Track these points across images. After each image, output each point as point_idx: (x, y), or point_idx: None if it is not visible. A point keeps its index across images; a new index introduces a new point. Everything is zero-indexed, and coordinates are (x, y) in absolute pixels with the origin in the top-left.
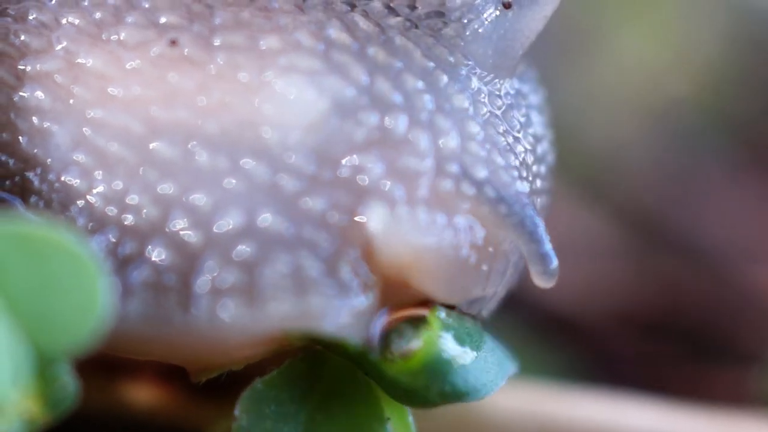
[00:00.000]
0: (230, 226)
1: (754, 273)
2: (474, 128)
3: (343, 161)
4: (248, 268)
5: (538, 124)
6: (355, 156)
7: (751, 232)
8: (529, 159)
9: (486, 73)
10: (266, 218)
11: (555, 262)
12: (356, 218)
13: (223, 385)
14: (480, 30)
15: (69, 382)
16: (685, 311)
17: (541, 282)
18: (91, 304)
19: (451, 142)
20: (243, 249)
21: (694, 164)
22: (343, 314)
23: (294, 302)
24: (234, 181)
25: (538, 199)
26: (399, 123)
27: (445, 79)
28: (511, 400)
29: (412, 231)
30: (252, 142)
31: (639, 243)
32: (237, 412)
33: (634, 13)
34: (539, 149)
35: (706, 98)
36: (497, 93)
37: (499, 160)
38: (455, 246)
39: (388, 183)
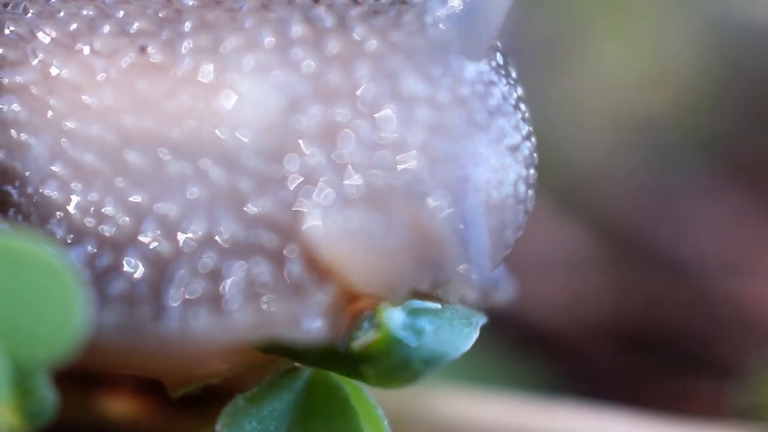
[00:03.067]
0: (196, 235)
1: (731, 286)
2: (425, 115)
3: (292, 157)
4: (213, 278)
5: (512, 114)
6: (302, 151)
7: (727, 245)
8: (496, 151)
9: (450, 59)
10: (226, 225)
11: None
12: (299, 215)
13: (201, 399)
14: (442, 14)
15: (48, 395)
16: (663, 324)
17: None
18: (69, 316)
19: (392, 132)
20: (208, 258)
21: (671, 177)
22: (303, 317)
23: (255, 310)
24: (197, 188)
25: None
26: (343, 114)
27: (400, 65)
28: (490, 413)
29: (346, 229)
30: (213, 147)
31: (617, 256)
32: (218, 427)
33: (611, 28)
34: (511, 141)
35: (683, 112)
36: (463, 80)
37: (451, 153)
38: (391, 246)
39: (327, 177)
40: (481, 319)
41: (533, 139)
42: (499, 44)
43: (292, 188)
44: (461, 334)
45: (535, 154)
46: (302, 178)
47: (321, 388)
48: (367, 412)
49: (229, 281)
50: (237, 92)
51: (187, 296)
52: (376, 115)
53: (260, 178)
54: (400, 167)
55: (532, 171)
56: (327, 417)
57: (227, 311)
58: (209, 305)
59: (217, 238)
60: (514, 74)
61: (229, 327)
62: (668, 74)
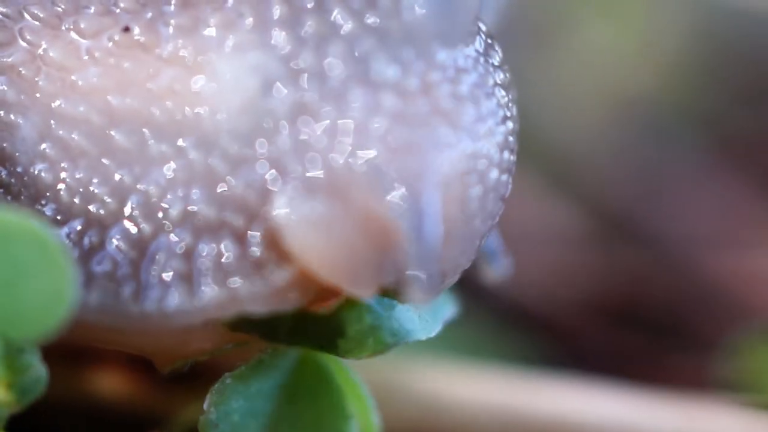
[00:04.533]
0: (173, 216)
1: (719, 263)
2: (390, 102)
3: (263, 140)
4: (186, 257)
5: (485, 100)
6: (272, 134)
7: (715, 222)
8: (462, 138)
9: (424, 43)
10: (201, 205)
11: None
12: (266, 198)
13: (189, 375)
14: None
15: (39, 370)
16: (650, 300)
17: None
18: (60, 291)
19: (356, 119)
20: (182, 237)
21: (659, 156)
22: (266, 293)
23: (221, 288)
24: (176, 168)
25: (479, 188)
26: (311, 96)
27: (372, 48)
28: (477, 388)
29: (307, 219)
30: (192, 127)
31: (606, 234)
32: (206, 404)
33: (600, 8)
34: (482, 127)
35: (671, 91)
36: (435, 64)
37: (411, 143)
38: (350, 238)
39: (293, 163)
40: (454, 301)
41: (510, 124)
42: (483, 28)
43: (260, 171)
44: (433, 313)
45: (511, 138)
46: (270, 162)
47: (308, 367)
48: (353, 390)
49: (199, 260)
50: (215, 73)
51: (163, 276)
52: (342, 100)
53: (234, 160)
54: (360, 157)
55: (507, 156)
56: (313, 396)
57: (198, 291)
58: (183, 284)
59: (191, 218)
60: (497, 59)
61: (200, 306)
62: (657, 54)
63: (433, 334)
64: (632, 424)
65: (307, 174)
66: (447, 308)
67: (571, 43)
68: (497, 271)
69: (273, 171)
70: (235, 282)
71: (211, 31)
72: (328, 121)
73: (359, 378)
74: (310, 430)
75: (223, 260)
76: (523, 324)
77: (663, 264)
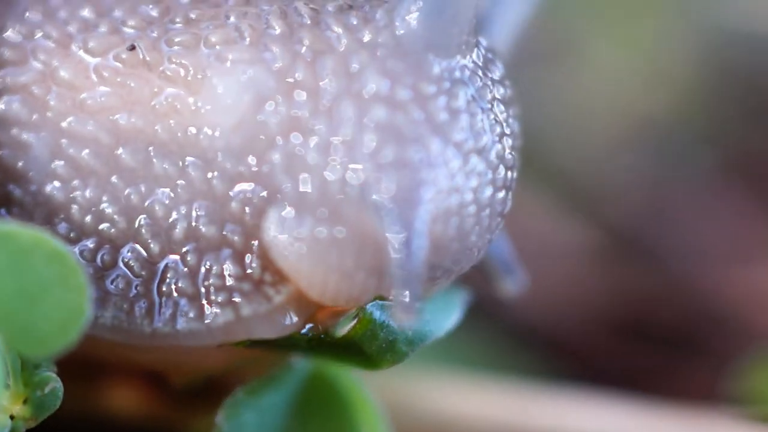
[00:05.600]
0: (178, 234)
1: (729, 279)
2: (381, 116)
3: (256, 157)
4: (192, 277)
5: (482, 114)
6: (264, 150)
7: (723, 240)
8: (457, 154)
9: (416, 56)
10: (202, 223)
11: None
12: (259, 217)
13: (203, 390)
14: (412, 10)
15: (56, 385)
16: (659, 317)
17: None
18: (77, 306)
19: (346, 135)
20: (188, 257)
21: (669, 174)
22: (266, 312)
23: (227, 308)
24: (178, 186)
25: (472, 207)
26: (303, 113)
27: (364, 62)
28: (488, 404)
29: (298, 239)
30: (192, 144)
31: (615, 251)
32: (218, 418)
33: (609, 29)
34: (478, 143)
35: (680, 111)
36: (428, 77)
37: (403, 159)
38: (340, 259)
39: (285, 180)
40: (464, 297)
41: (509, 140)
42: (482, 42)
43: (254, 189)
44: (443, 313)
45: (509, 155)
46: (263, 179)
47: (319, 382)
48: (363, 406)
49: (205, 280)
50: (211, 90)
51: (173, 296)
52: (334, 116)
53: (229, 177)
54: (350, 175)
55: (504, 173)
56: (324, 411)
57: (206, 313)
58: (192, 305)
59: (195, 236)
60: (497, 74)
61: (210, 329)
62: (666, 75)
63: (447, 331)
64: None
65: (299, 191)
66: (456, 304)
67: (582, 65)
68: (512, 286)
69: (265, 189)
70: (238, 302)
71: (210, 48)
72: (318, 138)
73: (370, 393)
74: None
75: (226, 280)
76: (534, 339)
77: (673, 281)
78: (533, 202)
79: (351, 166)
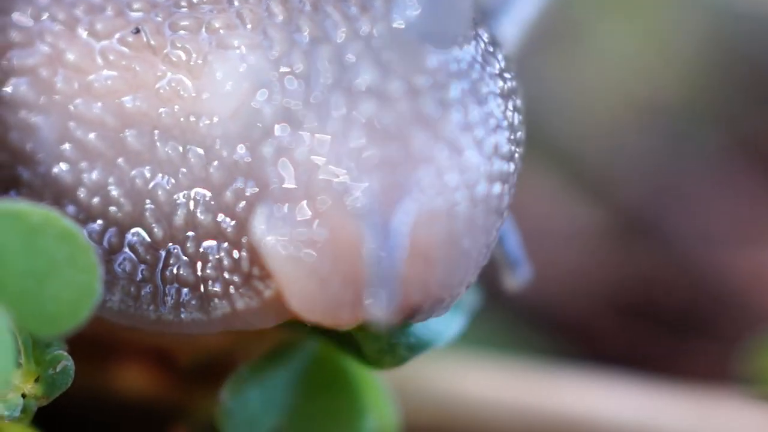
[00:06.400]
0: (179, 220)
1: (733, 261)
2: (369, 111)
3: (250, 146)
4: (193, 266)
5: (478, 106)
6: (257, 141)
7: (730, 221)
8: (448, 148)
9: (411, 46)
10: (200, 210)
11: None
12: (252, 208)
13: (210, 369)
14: (409, 0)
15: (67, 364)
16: (666, 298)
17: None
18: (88, 285)
19: (333, 132)
20: (189, 245)
21: (675, 156)
22: (258, 306)
23: (224, 303)
24: (181, 173)
25: (462, 206)
26: (297, 103)
27: (358, 52)
28: (496, 384)
29: (281, 239)
30: (193, 130)
31: (622, 232)
32: (223, 396)
33: (615, 13)
34: (472, 136)
35: (687, 93)
36: (421, 68)
37: (387, 158)
38: (317, 263)
39: (275, 175)
40: (472, 306)
41: (506, 132)
42: (483, 35)
43: (247, 182)
44: (448, 323)
45: (507, 148)
46: (255, 172)
47: (325, 360)
48: (370, 384)
49: (204, 269)
50: (210, 76)
51: (176, 282)
52: (323, 107)
53: (225, 166)
54: (334, 171)
55: (500, 166)
56: (330, 389)
57: (207, 302)
58: (194, 295)
59: (193, 224)
60: (497, 66)
61: (211, 318)
62: (673, 57)
63: (449, 341)
64: (649, 417)
65: (285, 187)
66: (462, 310)
67: (589, 48)
68: (518, 278)
69: (256, 184)
70: (233, 294)
71: (212, 34)
72: (308, 132)
73: (377, 372)
74: (327, 423)
75: (222, 271)
76: (541, 321)
77: (679, 262)
78: (540, 185)
79: (335, 163)
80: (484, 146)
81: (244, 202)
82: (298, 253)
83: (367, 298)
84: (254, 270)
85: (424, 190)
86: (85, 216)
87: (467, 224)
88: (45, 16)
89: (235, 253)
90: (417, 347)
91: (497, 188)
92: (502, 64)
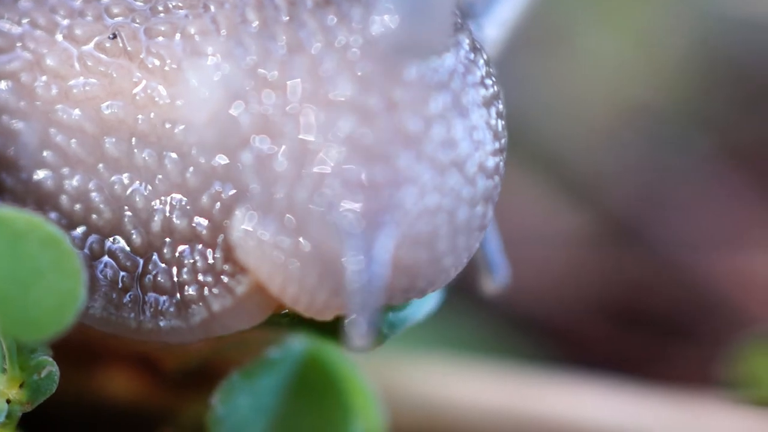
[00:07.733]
0: (156, 226)
1: (721, 267)
2: (348, 127)
3: (227, 154)
4: (170, 273)
5: (460, 120)
6: (234, 149)
7: (718, 226)
8: (430, 166)
9: (390, 57)
10: (176, 216)
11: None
12: (229, 213)
13: (199, 374)
14: (388, 9)
15: (52, 369)
16: (653, 303)
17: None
18: (72, 290)
19: (313, 146)
20: (165, 251)
21: (663, 161)
22: (232, 304)
23: (201, 308)
24: (158, 179)
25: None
26: (273, 113)
27: (335, 64)
28: (484, 388)
29: (258, 240)
30: (169, 137)
31: (609, 237)
32: (213, 401)
33: (602, 17)
34: (455, 153)
35: (675, 97)
36: (400, 81)
37: (369, 177)
38: (301, 272)
39: (254, 182)
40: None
41: (489, 145)
42: (464, 42)
43: (225, 186)
44: (425, 298)
45: (491, 162)
46: (234, 177)
47: (314, 365)
48: (359, 389)
49: (180, 275)
50: (185, 83)
51: (155, 290)
52: (301, 120)
53: (203, 172)
54: (317, 186)
55: (484, 183)
56: (319, 393)
57: (184, 309)
58: (172, 303)
59: (170, 229)
60: (478, 73)
61: (190, 325)
62: (660, 62)
63: (429, 313)
64: (634, 422)
65: (266, 194)
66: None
67: (576, 51)
68: (496, 282)
69: (235, 187)
70: (207, 296)
71: (186, 40)
72: (287, 144)
73: (365, 377)
74: (316, 427)
75: (196, 275)
76: (527, 325)
77: (666, 267)
78: (527, 189)
79: (317, 179)
80: (468, 163)
81: (219, 204)
82: (281, 259)
83: (346, 323)
84: (226, 266)
85: (408, 213)
86: (68, 222)
87: (449, 245)
88: (26, 20)
89: (209, 253)
90: (397, 324)
91: (480, 209)
92: (483, 70)
